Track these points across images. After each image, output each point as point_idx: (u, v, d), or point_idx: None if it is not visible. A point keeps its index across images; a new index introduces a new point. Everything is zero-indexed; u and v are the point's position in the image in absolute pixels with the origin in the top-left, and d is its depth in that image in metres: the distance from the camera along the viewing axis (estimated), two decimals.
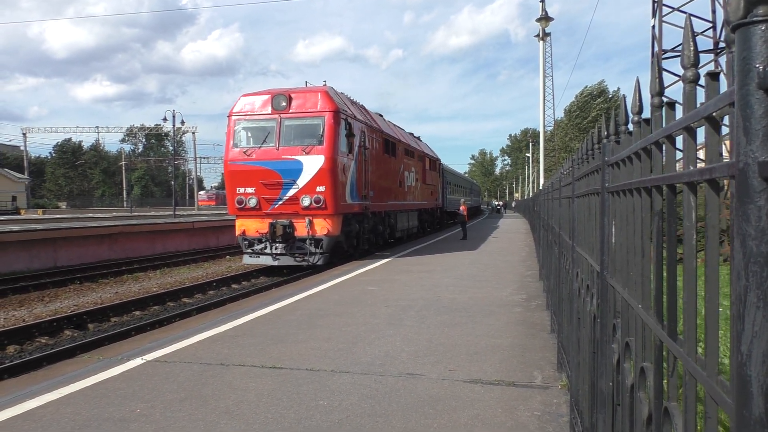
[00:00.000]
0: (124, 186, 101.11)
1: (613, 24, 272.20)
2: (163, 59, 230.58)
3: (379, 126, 19.45)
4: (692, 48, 1.13)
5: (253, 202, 14.65)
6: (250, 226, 14.94)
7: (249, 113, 15.15)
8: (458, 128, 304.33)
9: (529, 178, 77.40)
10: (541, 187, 16.35)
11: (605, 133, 2.49)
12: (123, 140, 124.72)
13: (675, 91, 19.74)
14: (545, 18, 26.83)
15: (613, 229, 2.25)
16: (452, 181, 39.88)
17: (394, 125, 24.09)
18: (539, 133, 33.96)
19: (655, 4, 19.09)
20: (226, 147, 15.29)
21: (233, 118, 15.24)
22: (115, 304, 11.61)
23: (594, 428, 2.73)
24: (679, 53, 1.15)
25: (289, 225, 14.47)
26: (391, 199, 20.21)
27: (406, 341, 6.25)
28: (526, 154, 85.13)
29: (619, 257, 2.11)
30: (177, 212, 38.94)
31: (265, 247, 14.82)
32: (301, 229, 14.51)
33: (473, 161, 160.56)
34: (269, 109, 14.94)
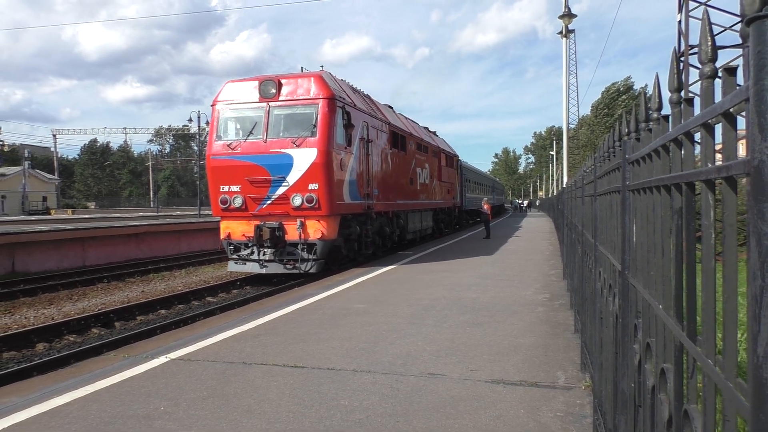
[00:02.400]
0: (151, 186, 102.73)
1: (640, 19, 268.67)
2: (192, 60, 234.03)
3: (386, 117, 17.84)
4: (710, 43, 1.10)
5: (238, 202, 13.06)
6: (235, 229, 13.35)
7: (234, 101, 13.56)
8: (482, 126, 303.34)
9: (553, 176, 76.71)
10: (564, 186, 16.19)
11: (626, 130, 2.45)
12: (150, 141, 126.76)
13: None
14: (568, 15, 26.53)
15: (634, 228, 2.22)
16: (472, 179, 38.33)
17: (406, 118, 22.52)
18: (563, 130, 33.61)
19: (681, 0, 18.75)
20: (209, 140, 13.78)
21: (217, 106, 13.66)
22: (141, 303, 11.80)
23: (616, 430, 2.70)
24: (698, 47, 1.13)
25: (278, 227, 12.87)
26: (400, 198, 18.56)
27: (428, 341, 6.23)
28: (550, 152, 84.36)
29: (639, 256, 2.08)
30: (202, 212, 39.38)
31: (252, 253, 13.19)
32: (292, 233, 12.91)
33: (496, 160, 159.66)
34: (256, 97, 13.31)
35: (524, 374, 5.01)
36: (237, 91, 13.61)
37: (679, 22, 18.71)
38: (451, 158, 28.97)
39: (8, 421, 4.15)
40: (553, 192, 64.08)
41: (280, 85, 13.21)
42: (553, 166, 76.88)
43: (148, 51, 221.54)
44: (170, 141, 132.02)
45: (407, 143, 19.72)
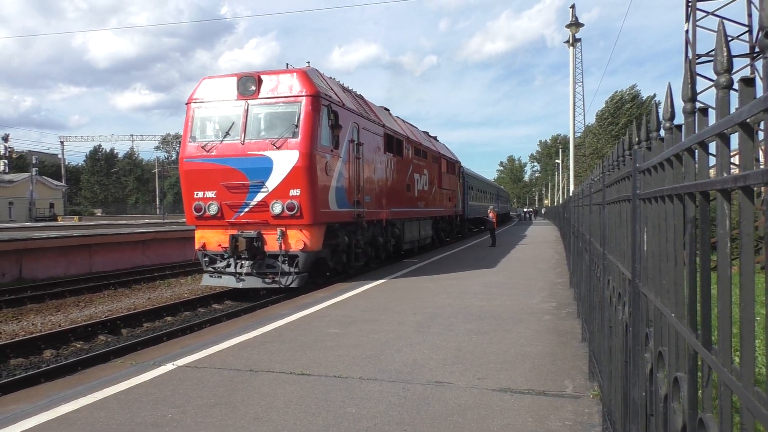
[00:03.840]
0: (157, 193, 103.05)
1: (647, 28, 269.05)
2: (200, 68, 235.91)
3: (380, 119, 16.52)
4: (725, 53, 1.11)
5: (213, 210, 11.98)
6: (211, 239, 12.26)
7: (211, 99, 12.47)
8: (489, 134, 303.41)
9: (558, 184, 76.59)
10: (570, 194, 16.16)
11: (636, 139, 2.46)
12: (157, 148, 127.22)
13: (709, 96, 19.33)
14: (575, 24, 26.60)
15: (645, 237, 2.22)
16: (475, 187, 36.95)
17: (404, 121, 21.33)
18: (569, 139, 33.61)
19: (689, 9, 18.77)
20: (182, 141, 12.70)
21: (192, 105, 12.60)
22: (148, 310, 11.82)
23: None
24: (713, 58, 1.14)
25: (256, 238, 11.82)
26: (395, 206, 17.33)
27: (434, 349, 6.22)
28: (556, 161, 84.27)
29: (651, 265, 2.08)
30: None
31: (229, 265, 12.12)
32: (272, 243, 11.82)
33: (502, 168, 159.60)
34: (234, 95, 12.25)
35: (532, 383, 4.99)
36: (214, 89, 12.55)
37: (687, 31, 18.73)
38: (453, 164, 27.84)
39: (17, 428, 4.16)
40: (558, 201, 63.97)
41: (260, 82, 12.17)
42: (558, 174, 76.80)
43: (158, 58, 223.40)
44: (177, 148, 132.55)
45: (404, 147, 18.60)
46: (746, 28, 18.46)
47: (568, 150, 32.34)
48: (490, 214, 25.06)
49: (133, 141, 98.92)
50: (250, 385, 5.04)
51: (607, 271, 3.72)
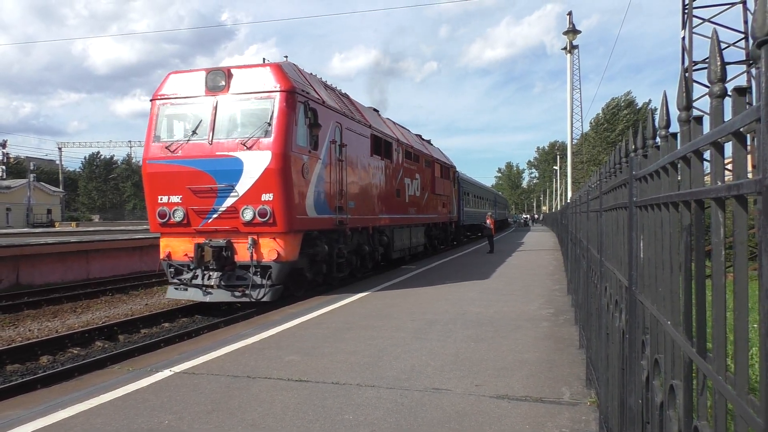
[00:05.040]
0: None
1: (645, 35, 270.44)
2: None
3: (366, 120, 15.54)
4: (719, 63, 1.12)
5: (179, 216, 11.03)
6: (176, 248, 11.32)
7: (177, 95, 11.54)
8: (487, 140, 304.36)
9: (556, 191, 76.71)
10: (568, 201, 16.19)
11: (633, 147, 2.47)
12: None
13: (706, 103, 19.40)
14: (572, 31, 26.71)
15: (642, 244, 2.23)
16: (472, 192, 36.02)
17: (395, 123, 20.39)
18: (567, 145, 33.69)
19: (685, 16, 18.87)
20: (146, 141, 11.70)
21: (157, 102, 11.67)
22: (145, 316, 11.79)
23: None
24: (707, 67, 1.15)
25: (225, 247, 10.83)
26: (383, 212, 16.34)
27: (432, 355, 6.22)
28: (554, 167, 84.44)
29: (647, 272, 2.08)
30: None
31: (196, 276, 11.12)
32: (242, 253, 10.85)
33: (500, 174, 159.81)
34: (203, 90, 11.33)
35: (529, 389, 4.99)
36: (181, 84, 11.61)
37: (683, 38, 18.82)
38: (447, 169, 26.84)
39: None
40: (556, 207, 64.06)
41: (230, 76, 11.23)
42: (556, 181, 76.94)
43: (158, 65, 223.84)
44: None
45: (393, 150, 17.61)
46: (742, 35, 18.56)
47: (566, 156, 32.39)
48: (488, 221, 25.09)
49: (131, 147, 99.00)
50: (247, 391, 5.03)
51: (605, 278, 3.73)
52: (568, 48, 26.81)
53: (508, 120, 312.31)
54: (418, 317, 8.53)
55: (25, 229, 48.46)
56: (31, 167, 74.34)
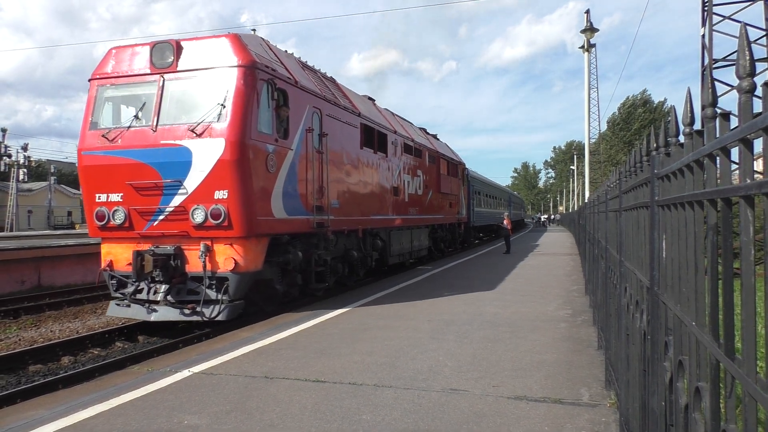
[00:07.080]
0: None
1: (665, 32, 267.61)
2: None
3: (355, 107, 13.48)
4: (748, 57, 1.09)
5: (120, 218, 9.23)
6: (119, 255, 9.45)
7: (118, 74, 9.74)
8: (503, 141, 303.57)
9: (573, 191, 76.13)
10: (586, 201, 16.06)
11: (654, 145, 2.43)
12: None
13: (725, 101, 19.11)
14: (590, 29, 26.51)
15: (664, 244, 2.19)
16: (483, 191, 33.59)
17: (393, 114, 18.33)
18: (584, 145, 33.41)
19: (705, 13, 18.63)
20: (82, 128, 9.85)
21: (95, 82, 9.89)
22: None
23: None
24: (730, 62, 1.12)
25: (174, 254, 9.03)
26: (377, 212, 14.37)
27: (449, 356, 6.19)
28: (571, 167, 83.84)
29: (670, 272, 2.05)
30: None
31: (141, 290, 9.30)
32: (194, 262, 9.04)
33: (516, 174, 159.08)
34: (147, 67, 9.51)
35: (548, 391, 4.95)
36: (123, 61, 9.78)
37: (703, 35, 18.57)
38: (455, 166, 24.55)
39: None
40: (573, 207, 63.61)
41: (179, 50, 9.42)
42: (573, 181, 76.38)
43: None
44: None
45: (389, 143, 15.55)
46: (764, 32, 18.28)
47: (583, 156, 32.13)
48: (506, 222, 25.06)
49: None
50: (265, 391, 5.05)
51: (624, 278, 3.68)
52: (585, 46, 26.61)
53: (524, 120, 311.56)
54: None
55: (46, 231, 49.14)
56: (52, 170, 75.37)
